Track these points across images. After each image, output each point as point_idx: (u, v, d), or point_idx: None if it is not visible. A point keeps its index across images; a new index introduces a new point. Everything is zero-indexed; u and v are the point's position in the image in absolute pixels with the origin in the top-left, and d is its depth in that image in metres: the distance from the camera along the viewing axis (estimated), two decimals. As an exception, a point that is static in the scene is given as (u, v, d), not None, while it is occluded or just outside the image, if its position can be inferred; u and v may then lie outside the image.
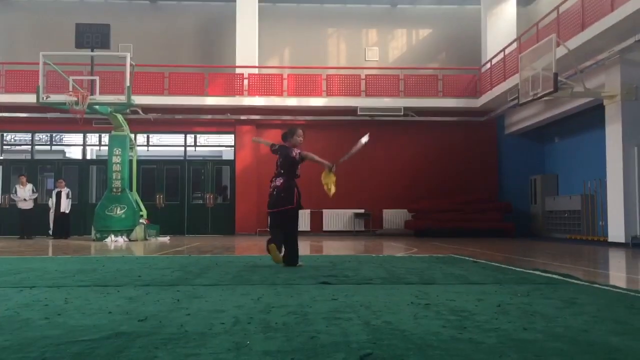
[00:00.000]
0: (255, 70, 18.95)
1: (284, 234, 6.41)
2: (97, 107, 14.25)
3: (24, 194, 16.46)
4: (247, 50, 18.93)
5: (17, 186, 16.84)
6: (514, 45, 16.55)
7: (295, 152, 6.51)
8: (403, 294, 4.27)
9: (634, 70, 12.22)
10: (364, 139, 7.04)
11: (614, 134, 12.68)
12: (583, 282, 5.09)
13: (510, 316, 3.32)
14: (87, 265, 6.84)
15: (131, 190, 15.13)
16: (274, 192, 6.50)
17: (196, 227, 18.86)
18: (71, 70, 15.07)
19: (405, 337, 2.75)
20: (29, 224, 16.47)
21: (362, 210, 18.75)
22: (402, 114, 18.41)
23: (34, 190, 16.79)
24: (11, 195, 16.93)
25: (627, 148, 12.28)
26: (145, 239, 14.37)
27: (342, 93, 18.62)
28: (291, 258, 6.44)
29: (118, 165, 14.60)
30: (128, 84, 13.93)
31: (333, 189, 6.59)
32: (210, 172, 19.46)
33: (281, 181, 6.48)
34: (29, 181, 17.02)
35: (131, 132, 15.61)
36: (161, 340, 2.65)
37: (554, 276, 5.57)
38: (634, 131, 12.25)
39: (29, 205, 16.52)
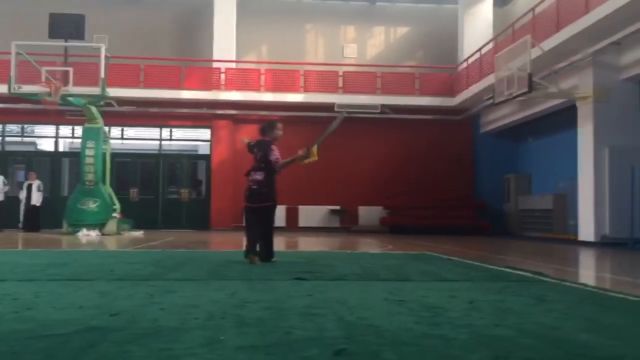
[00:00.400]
0: (233, 65, 18.84)
1: (260, 230, 6.30)
2: (70, 98, 14.02)
3: None
4: (224, 44, 18.80)
5: None
6: (490, 45, 16.72)
7: (275, 156, 6.35)
8: (377, 290, 4.29)
9: (606, 72, 12.44)
10: (337, 121, 7.09)
11: (586, 134, 12.90)
12: (553, 280, 5.18)
13: (482, 313, 3.36)
14: (58, 259, 6.74)
15: (104, 183, 14.93)
16: (254, 187, 6.33)
17: (171, 222, 18.69)
18: (44, 61, 14.79)
19: (379, 333, 2.77)
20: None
21: (337, 207, 18.79)
22: (379, 111, 18.48)
23: (5, 182, 16.47)
24: None
25: (598, 149, 12.50)
26: (119, 233, 14.20)
27: (320, 89, 18.61)
28: (267, 254, 6.33)
29: (91, 158, 14.38)
30: (103, 75, 13.73)
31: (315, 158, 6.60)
32: (185, 166, 19.31)
33: (262, 176, 6.30)
34: (2, 173, 16.72)
35: (105, 124, 15.39)
36: (134, 335, 2.63)
37: (526, 274, 5.65)
38: (606, 132, 12.47)
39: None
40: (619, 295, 4.26)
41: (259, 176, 6.32)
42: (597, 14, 10.92)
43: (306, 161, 6.47)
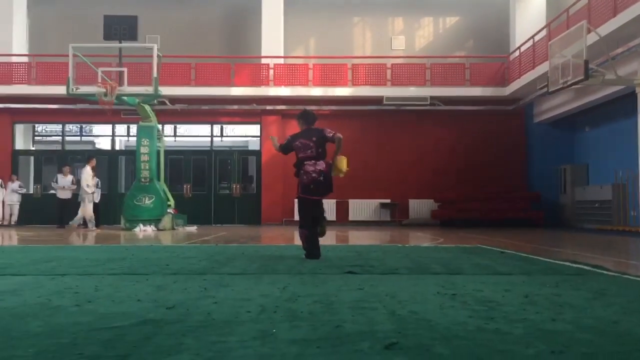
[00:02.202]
0: (281, 61, 18.95)
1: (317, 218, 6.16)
2: (125, 98, 14.41)
3: (64, 183, 16.77)
4: (272, 40, 18.94)
5: (58, 175, 17.15)
6: (544, 32, 16.25)
7: (330, 132, 6.15)
8: (429, 284, 4.25)
9: (668, 56, 11.90)
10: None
11: (646, 122, 12.39)
12: (613, 273, 5.00)
13: (538, 307, 3.28)
14: (116, 254, 6.96)
15: (159, 180, 15.29)
16: (320, 178, 5.98)
17: (223, 217, 19.00)
18: (100, 62, 15.26)
19: (431, 327, 2.74)
20: (66, 213, 16.87)
21: (388, 200, 18.68)
22: (428, 103, 18.25)
23: (73, 181, 17.06)
24: (52, 184, 17.27)
25: (660, 137, 12.00)
26: (173, 229, 14.54)
27: (368, 82, 18.52)
28: (321, 231, 6.25)
29: (146, 155, 14.75)
30: (155, 75, 14.05)
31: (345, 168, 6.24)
32: (236, 162, 19.57)
33: (324, 165, 6.04)
34: (61, 171, 17.44)
35: (158, 122, 15.75)
36: (188, 328, 2.69)
37: (584, 267, 5.48)
38: (668, 119, 11.95)
39: (67, 194, 16.82)
40: (683, 289, 4.08)
41: (320, 166, 6.03)
42: (658, -5, 10.45)
43: (340, 165, 6.19)
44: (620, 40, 12.19)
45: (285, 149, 6.32)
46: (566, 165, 18.21)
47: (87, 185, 14.67)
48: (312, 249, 6.10)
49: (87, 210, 14.69)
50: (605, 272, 5.11)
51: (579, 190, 17.38)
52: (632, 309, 3.24)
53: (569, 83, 12.37)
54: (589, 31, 11.77)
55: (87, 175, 14.80)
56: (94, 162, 15.37)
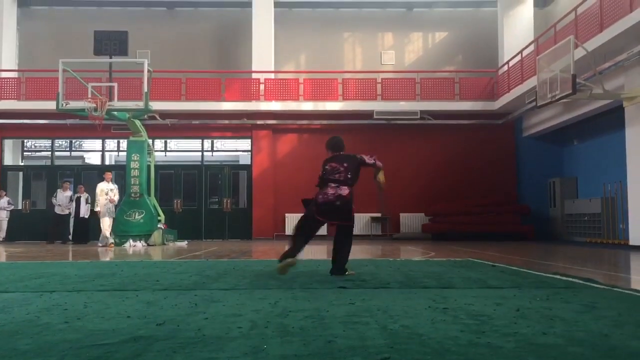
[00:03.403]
0: (272, 75, 19.02)
1: (339, 247, 6.04)
2: (115, 113, 14.38)
3: (64, 198, 16.77)
4: (263, 55, 19.02)
5: (58, 190, 17.12)
6: (532, 47, 16.42)
7: (371, 158, 6.12)
8: (420, 298, 4.25)
9: (654, 71, 12.05)
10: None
11: (634, 136, 12.51)
12: (604, 286, 5.02)
13: (530, 320, 3.29)
14: (106, 269, 6.91)
15: (149, 195, 15.23)
16: (338, 203, 5.83)
17: (213, 232, 18.94)
18: (90, 77, 15.25)
19: (422, 341, 2.74)
20: (61, 229, 16.83)
21: (379, 215, 18.69)
22: (418, 117, 18.35)
23: (71, 198, 16.97)
24: (52, 200, 17.21)
25: (648, 150, 12.11)
26: (163, 244, 14.46)
27: (358, 97, 18.61)
28: (340, 266, 6.01)
29: (136, 170, 14.71)
30: (146, 90, 14.04)
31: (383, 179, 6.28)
32: (227, 176, 19.55)
33: (347, 191, 5.87)
34: (51, 187, 17.41)
35: (149, 137, 15.72)
36: (179, 344, 2.67)
37: (574, 280, 5.50)
38: (655, 133, 12.07)
39: (65, 210, 16.82)
40: (673, 302, 4.10)
41: (343, 191, 5.85)
42: (643, 11, 10.61)
43: (381, 178, 6.31)
44: (607, 55, 12.35)
45: (320, 180, 6.09)
46: (555, 178, 18.34)
47: (105, 200, 14.27)
48: (290, 251, 5.81)
49: (104, 225, 14.31)
50: (595, 285, 5.12)
51: (568, 203, 17.48)
52: (622, 322, 3.25)
53: (557, 97, 12.49)
54: (576, 46, 11.91)
55: (100, 190, 14.47)
56: (109, 175, 14.91)
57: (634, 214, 12.56)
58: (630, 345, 2.68)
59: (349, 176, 5.92)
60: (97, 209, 14.48)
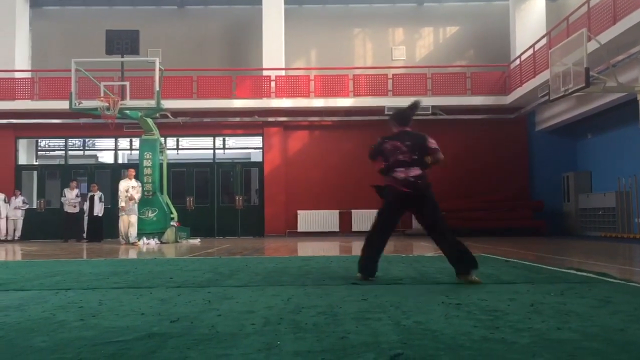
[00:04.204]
0: (282, 72, 19.03)
1: (443, 237, 5.04)
2: (127, 112, 14.46)
3: (71, 197, 16.99)
4: (273, 52, 19.03)
5: (66, 189, 17.33)
6: (544, 40, 16.29)
7: (433, 144, 5.22)
8: (433, 293, 4.23)
9: (668, 63, 11.92)
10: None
11: (648, 129, 12.38)
12: (619, 281, 4.98)
13: (544, 315, 3.26)
14: (120, 267, 6.95)
15: (162, 193, 15.31)
16: (419, 181, 5.07)
17: (226, 229, 19.01)
18: (102, 77, 15.35)
19: (436, 337, 2.73)
20: (72, 227, 17.02)
21: (391, 210, 18.61)
22: (430, 112, 18.26)
23: (78, 195, 17.21)
24: (61, 199, 17.47)
25: (663, 143, 11.99)
26: (176, 241, 14.53)
27: (369, 93, 18.57)
28: (469, 259, 4.83)
29: (149, 168, 14.78)
30: (157, 88, 14.11)
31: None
32: (239, 174, 19.59)
33: (419, 170, 5.10)
34: (66, 186, 17.62)
35: (161, 135, 15.81)
36: (193, 341, 2.68)
37: (589, 275, 5.45)
38: (670, 126, 11.95)
39: (74, 209, 17.02)
40: (690, 296, 4.06)
41: (415, 171, 5.05)
42: (657, 3, 10.49)
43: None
44: (620, 48, 12.21)
45: (373, 153, 5.35)
46: (569, 173, 18.19)
47: (124, 198, 14.03)
48: (368, 262, 5.11)
49: (122, 223, 14.14)
50: (610, 279, 5.08)
51: (582, 197, 17.34)
52: (638, 317, 3.22)
53: (570, 91, 12.39)
54: (589, 39, 11.80)
55: (122, 187, 14.19)
56: (131, 172, 14.43)
57: (649, 207, 12.43)
58: (646, 340, 2.65)
59: (414, 157, 5.06)
60: (121, 204, 14.12)
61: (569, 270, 5.91)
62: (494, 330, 2.87)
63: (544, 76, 14.95)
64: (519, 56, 17.89)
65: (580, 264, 6.98)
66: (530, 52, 16.98)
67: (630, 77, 12.85)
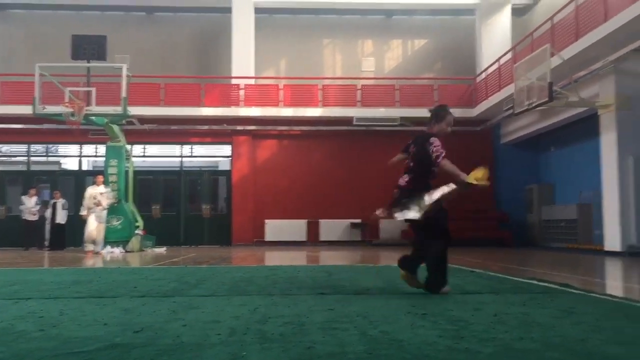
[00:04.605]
0: (252, 81, 19.00)
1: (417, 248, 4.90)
2: (93, 118, 14.24)
3: (30, 205, 16.59)
4: (243, 60, 19.00)
5: (23, 197, 16.94)
6: (509, 55, 16.64)
7: (436, 148, 4.67)
8: (400, 303, 4.26)
9: (628, 79, 12.28)
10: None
11: (609, 143, 12.73)
12: (580, 292, 5.09)
13: (507, 326, 3.31)
14: (82, 276, 6.81)
15: (127, 201, 15.09)
16: (397, 193, 4.81)
17: (193, 238, 18.81)
18: (68, 82, 15.07)
19: (402, 347, 2.74)
20: (31, 235, 16.62)
21: (358, 220, 18.72)
22: (398, 123, 18.46)
23: (37, 202, 16.84)
24: (20, 207, 17.04)
25: (622, 157, 12.32)
26: (142, 250, 14.31)
27: (338, 103, 18.66)
28: (429, 282, 4.81)
29: (114, 176, 14.56)
30: (124, 94, 13.93)
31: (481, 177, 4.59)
32: (206, 182, 19.44)
33: (407, 179, 4.81)
34: (25, 193, 17.22)
35: (127, 142, 15.60)
36: (157, 352, 2.64)
37: (551, 285, 5.56)
38: (629, 140, 12.30)
39: (33, 217, 16.64)
40: (647, 306, 4.17)
41: (402, 180, 4.83)
42: (617, 21, 10.82)
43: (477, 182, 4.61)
44: (582, 64, 12.55)
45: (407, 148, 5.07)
46: (533, 185, 18.55)
47: (91, 205, 13.70)
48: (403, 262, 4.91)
49: (88, 229, 13.70)
50: (572, 290, 5.19)
51: (545, 209, 17.69)
52: (599, 327, 3.30)
53: (534, 105, 12.67)
54: (552, 54, 12.09)
55: (88, 194, 13.86)
56: (99, 179, 14.19)
57: (609, 219, 12.76)
58: (607, 350, 2.71)
59: (412, 165, 4.83)
60: (82, 212, 13.84)
61: (531, 281, 6.01)
62: (458, 340, 2.90)
63: (509, 90, 15.26)
64: (485, 70, 18.24)
65: (543, 274, 7.11)
66: (496, 66, 17.32)
67: (591, 93, 13.21)
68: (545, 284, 5.67)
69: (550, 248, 16.17)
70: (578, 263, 10.01)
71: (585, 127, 14.98)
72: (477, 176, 4.58)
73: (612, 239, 12.53)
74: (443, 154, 4.67)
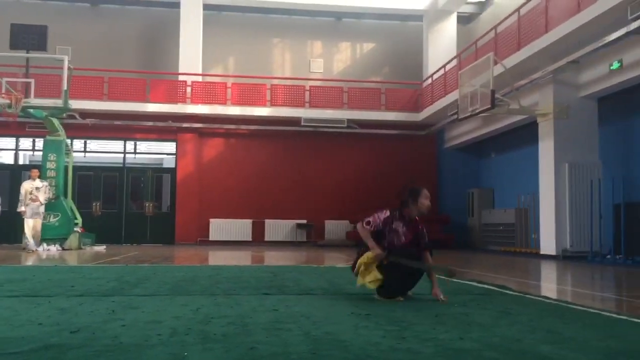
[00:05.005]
0: (199, 78, 18.74)
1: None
2: (31, 110, 13.72)
3: None
4: (190, 57, 18.72)
5: None
6: (454, 62, 17.02)
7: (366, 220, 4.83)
8: (344, 304, 4.29)
9: (565, 89, 12.78)
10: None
11: (546, 150, 13.20)
12: (517, 293, 5.25)
13: (447, 326, 3.39)
14: (16, 274, 6.55)
15: (66, 197, 14.62)
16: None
17: (134, 236, 18.39)
18: (5, 72, 14.46)
19: (345, 347, 2.76)
20: None
21: (304, 221, 18.75)
22: (345, 125, 18.59)
23: None
24: None
25: (558, 164, 12.81)
26: (80, 248, 13.88)
27: (287, 103, 18.64)
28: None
29: (53, 171, 14.08)
30: (65, 87, 13.50)
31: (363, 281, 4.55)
32: (150, 179, 19.04)
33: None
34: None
35: (67, 137, 15.10)
36: (94, 352, 2.56)
37: (490, 287, 5.72)
38: (565, 148, 12.79)
39: None
40: (579, 308, 4.35)
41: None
42: (556, 33, 11.25)
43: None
44: (523, 73, 12.98)
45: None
46: (474, 189, 19.04)
47: (27, 200, 13.01)
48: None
49: (27, 226, 13.02)
50: (509, 292, 5.35)
51: (485, 213, 18.19)
52: (533, 327, 3.41)
53: (477, 111, 13.01)
54: (495, 63, 12.45)
55: (24, 190, 13.14)
56: (35, 172, 13.41)
57: (545, 224, 13.23)
58: (540, 349, 2.81)
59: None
60: (20, 209, 13.11)
61: (471, 283, 6.17)
62: (400, 340, 2.94)
63: (453, 96, 15.60)
64: (431, 75, 18.60)
65: (482, 276, 7.30)
66: (442, 72, 17.69)
67: (531, 101, 13.68)
68: (485, 286, 5.83)
69: (489, 251, 16.63)
70: (515, 266, 10.34)
71: (525, 134, 15.48)
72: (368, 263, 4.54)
73: (548, 243, 13.00)
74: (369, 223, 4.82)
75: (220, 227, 18.50)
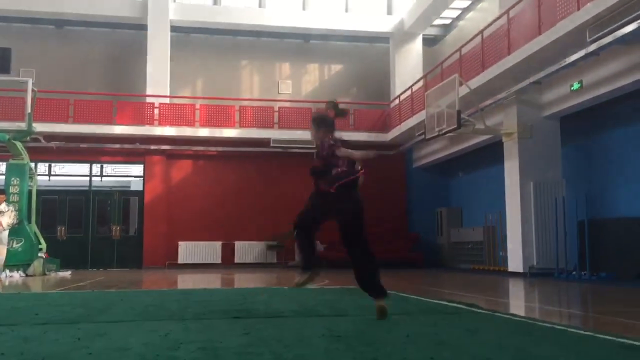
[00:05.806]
0: (167, 100, 18.63)
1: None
2: (-6, 133, 13.45)
3: None
4: (158, 79, 18.62)
5: None
6: (421, 83, 17.30)
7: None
8: (315, 326, 4.27)
9: (528, 109, 13.08)
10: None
11: (511, 169, 13.45)
12: (486, 312, 5.30)
13: (418, 346, 3.40)
14: (-23, 303, 6.35)
15: (30, 222, 14.29)
16: None
17: (101, 261, 18.03)
18: (-34, 94, 14.19)
19: (316, 370, 2.74)
20: None
21: (274, 243, 18.66)
22: (314, 146, 18.62)
23: None
24: None
25: (524, 183, 13.04)
26: (44, 274, 13.54)
27: (255, 125, 18.64)
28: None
29: (15, 195, 13.77)
30: (29, 110, 13.28)
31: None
32: (117, 202, 18.76)
33: None
34: None
35: (31, 160, 14.82)
36: (60, 383, 2.50)
37: (459, 306, 5.76)
38: (530, 167, 13.04)
39: None
40: (546, 325, 4.41)
41: None
42: (519, 55, 11.54)
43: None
44: (488, 93, 13.25)
45: None
46: (442, 208, 19.25)
47: None
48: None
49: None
50: (478, 310, 5.40)
51: (454, 232, 18.38)
52: (503, 346, 3.45)
53: (443, 131, 13.22)
54: (460, 84, 12.70)
55: None
56: (1, 198, 13.24)
57: (512, 242, 13.42)
58: (509, 367, 2.83)
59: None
60: None
61: (441, 302, 6.21)
62: (372, 361, 2.93)
63: (420, 116, 15.81)
64: (399, 96, 18.85)
65: (452, 295, 7.36)
66: (409, 92, 17.94)
67: (496, 121, 13.95)
68: (454, 305, 5.87)
69: (458, 269, 16.77)
70: (484, 284, 10.45)
71: (491, 153, 15.76)
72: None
73: (515, 261, 13.17)
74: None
75: (189, 250, 18.28)
